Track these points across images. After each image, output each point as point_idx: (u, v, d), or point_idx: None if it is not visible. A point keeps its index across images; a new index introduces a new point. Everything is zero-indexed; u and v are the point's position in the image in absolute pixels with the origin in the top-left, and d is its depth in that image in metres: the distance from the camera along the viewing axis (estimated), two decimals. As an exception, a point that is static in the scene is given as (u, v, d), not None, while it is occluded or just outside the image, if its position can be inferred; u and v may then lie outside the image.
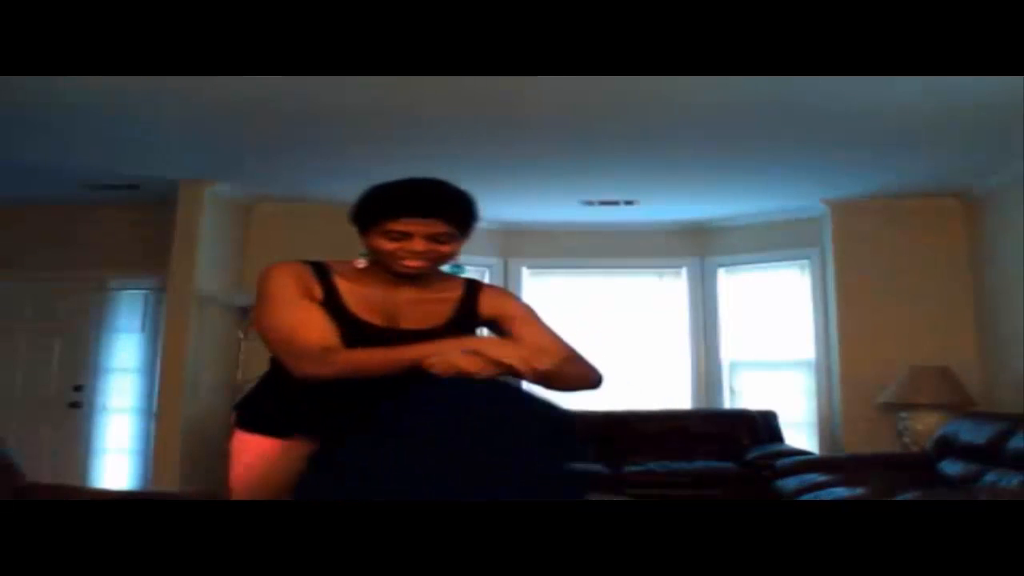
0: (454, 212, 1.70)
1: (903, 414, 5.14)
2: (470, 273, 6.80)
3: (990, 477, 3.89)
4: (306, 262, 1.73)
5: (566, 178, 5.31)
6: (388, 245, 1.66)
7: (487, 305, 1.83)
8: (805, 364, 6.00)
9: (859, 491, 3.96)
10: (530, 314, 1.86)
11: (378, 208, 1.66)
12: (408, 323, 1.72)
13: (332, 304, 1.68)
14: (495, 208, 6.13)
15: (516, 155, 4.79)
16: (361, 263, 1.75)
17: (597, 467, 5.26)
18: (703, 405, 6.29)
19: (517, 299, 1.96)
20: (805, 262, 6.10)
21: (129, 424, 5.99)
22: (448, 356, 1.49)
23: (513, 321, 1.81)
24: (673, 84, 3.60)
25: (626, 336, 6.45)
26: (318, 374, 1.58)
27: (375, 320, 1.70)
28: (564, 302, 6.57)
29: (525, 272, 6.64)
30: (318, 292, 1.68)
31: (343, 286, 1.71)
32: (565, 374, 1.63)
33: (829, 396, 5.81)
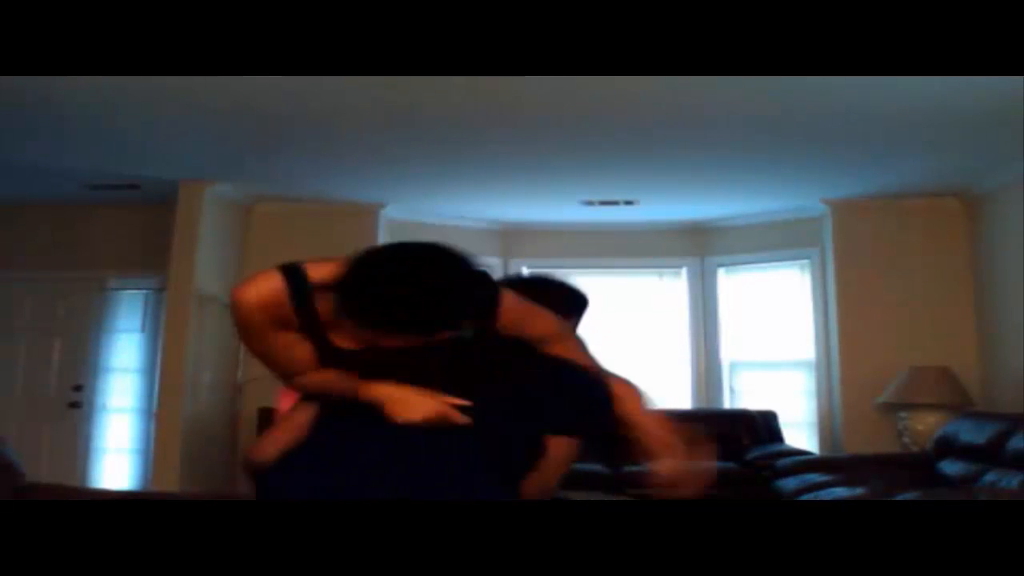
0: (468, 317, 1.44)
1: (903, 414, 5.14)
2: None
3: (990, 477, 3.88)
4: (286, 273, 1.52)
5: (566, 178, 5.31)
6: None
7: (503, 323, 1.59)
8: (805, 364, 6.00)
9: (859, 491, 3.96)
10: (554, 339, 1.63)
11: (366, 320, 1.38)
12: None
13: (310, 328, 1.53)
14: (495, 208, 6.13)
15: (516, 155, 4.79)
16: None
17: (597, 467, 5.26)
18: (703, 405, 6.29)
19: (534, 318, 1.65)
20: (805, 262, 6.10)
21: (129, 424, 5.99)
22: (405, 410, 1.48)
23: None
24: (673, 84, 3.60)
25: (626, 336, 6.45)
26: (298, 393, 1.61)
27: (351, 344, 1.54)
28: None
29: (525, 272, 6.63)
30: (293, 321, 1.52)
31: (323, 306, 1.50)
32: None
33: (829, 396, 5.81)
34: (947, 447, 4.49)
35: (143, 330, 6.11)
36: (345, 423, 1.52)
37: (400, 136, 4.45)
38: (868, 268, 5.67)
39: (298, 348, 1.53)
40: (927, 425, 4.94)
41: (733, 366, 6.35)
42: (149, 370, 5.90)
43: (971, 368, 5.31)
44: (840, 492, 4.05)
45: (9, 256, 6.06)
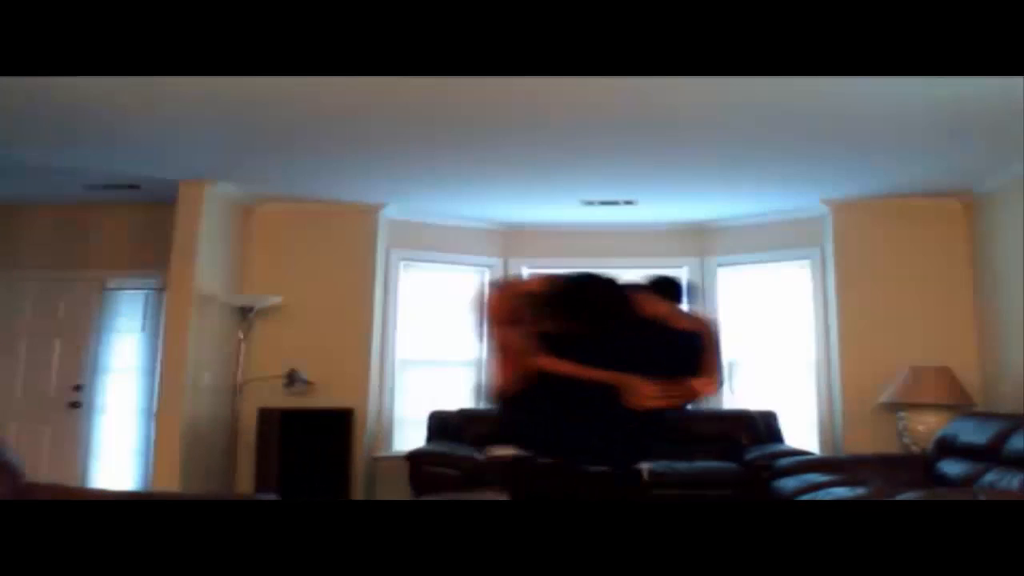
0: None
1: (903, 414, 5.13)
2: (471, 272, 6.78)
3: (990, 477, 3.88)
4: (504, 289, 2.59)
5: (566, 178, 5.31)
6: None
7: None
8: (805, 364, 6.00)
9: (859, 491, 3.96)
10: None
11: (674, 296, 2.67)
12: None
13: (527, 322, 2.46)
14: (495, 208, 6.13)
15: (516, 155, 4.79)
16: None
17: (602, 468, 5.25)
18: (703, 405, 6.28)
19: (656, 306, 2.62)
20: (805, 262, 6.09)
21: (129, 424, 5.99)
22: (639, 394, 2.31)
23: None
24: (673, 84, 3.60)
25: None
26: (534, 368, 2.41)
27: (550, 331, 2.49)
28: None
29: (525, 272, 6.64)
30: (515, 319, 2.45)
31: (531, 308, 2.48)
32: None
33: (829, 396, 5.81)
34: (947, 447, 4.49)
35: (143, 330, 6.11)
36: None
37: (400, 136, 4.45)
38: (868, 268, 5.67)
39: (519, 336, 2.38)
40: (927, 425, 4.94)
41: (733, 366, 6.35)
42: (149, 370, 5.90)
43: (971, 368, 5.31)
44: (840, 492, 4.05)
45: (9, 256, 6.06)
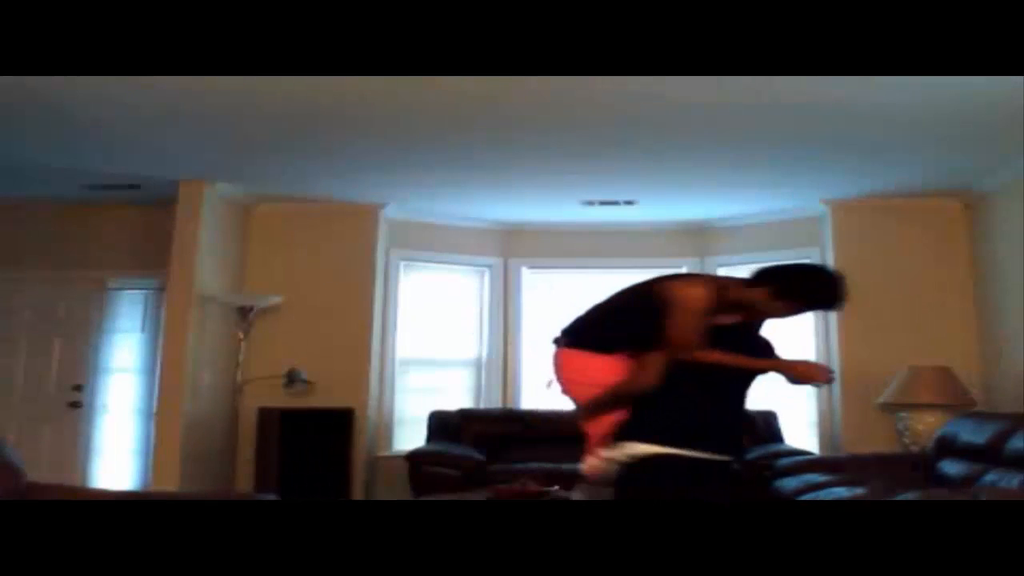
0: None
1: (903, 414, 5.13)
2: (471, 272, 6.78)
3: (990, 477, 3.88)
4: (707, 283, 2.59)
5: (566, 178, 5.31)
6: None
7: None
8: (805, 364, 5.98)
9: (859, 491, 3.96)
10: None
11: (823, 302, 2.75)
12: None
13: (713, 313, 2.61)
14: (495, 208, 6.13)
15: (516, 155, 4.79)
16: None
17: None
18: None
19: None
20: (805, 262, 6.08)
21: (129, 424, 5.99)
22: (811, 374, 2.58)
23: None
24: (672, 84, 3.60)
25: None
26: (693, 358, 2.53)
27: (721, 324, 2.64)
28: (564, 302, 6.57)
29: (525, 271, 6.64)
30: (709, 312, 2.56)
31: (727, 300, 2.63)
32: None
33: (829, 396, 5.81)
34: (947, 447, 4.49)
35: (143, 330, 6.11)
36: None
37: (400, 136, 4.45)
38: (868, 268, 5.66)
39: (700, 329, 2.48)
40: (927, 425, 4.94)
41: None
42: (149, 370, 5.90)
43: (971, 368, 5.31)
44: (840, 492, 4.05)
45: (10, 255, 6.06)
